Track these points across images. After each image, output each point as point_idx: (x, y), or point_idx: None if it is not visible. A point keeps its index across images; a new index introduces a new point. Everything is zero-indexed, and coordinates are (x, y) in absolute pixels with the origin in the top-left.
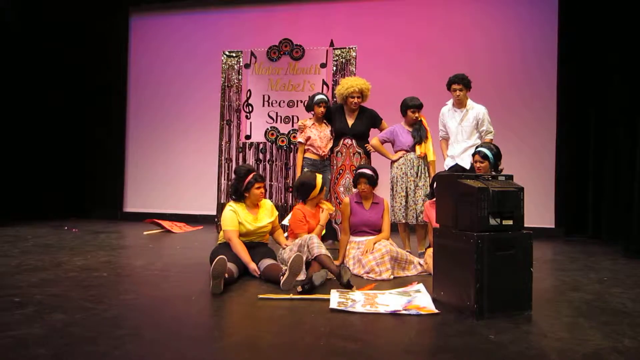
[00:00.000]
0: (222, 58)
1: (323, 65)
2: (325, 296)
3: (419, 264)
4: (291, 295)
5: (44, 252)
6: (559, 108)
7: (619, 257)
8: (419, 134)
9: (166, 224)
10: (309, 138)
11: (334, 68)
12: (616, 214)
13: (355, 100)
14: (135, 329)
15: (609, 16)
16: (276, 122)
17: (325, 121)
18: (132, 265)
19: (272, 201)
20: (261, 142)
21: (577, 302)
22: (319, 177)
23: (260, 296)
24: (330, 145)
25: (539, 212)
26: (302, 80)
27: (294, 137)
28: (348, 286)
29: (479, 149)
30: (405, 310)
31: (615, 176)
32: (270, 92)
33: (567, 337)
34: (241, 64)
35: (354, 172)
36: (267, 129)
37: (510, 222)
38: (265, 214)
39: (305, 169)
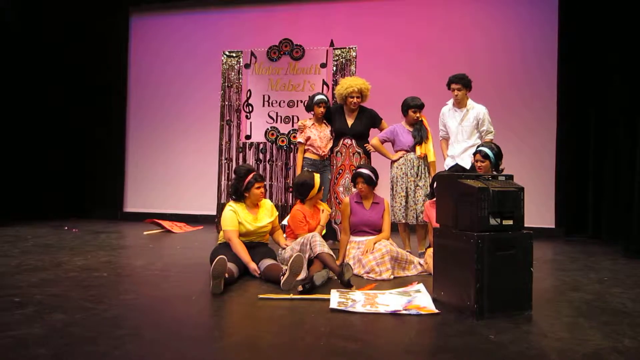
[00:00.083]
0: (222, 58)
1: (323, 65)
2: (325, 296)
3: (419, 264)
4: (291, 295)
5: (44, 252)
6: (559, 108)
7: (619, 257)
8: (420, 134)
9: (166, 224)
10: (308, 138)
11: (334, 68)
12: (616, 214)
13: (355, 100)
14: (135, 329)
15: (609, 16)
16: (276, 122)
17: (325, 121)
18: (132, 265)
19: (272, 201)
20: (261, 142)
21: (577, 302)
22: (317, 177)
23: (261, 296)
24: (330, 145)
25: (539, 212)
26: (302, 80)
27: (294, 137)
28: (348, 285)
29: (480, 148)
30: (405, 310)
31: (615, 176)
32: (271, 92)
33: (567, 337)
34: (241, 64)
35: (353, 171)
36: (267, 129)
37: (511, 222)
38: (265, 214)
39: (306, 169)
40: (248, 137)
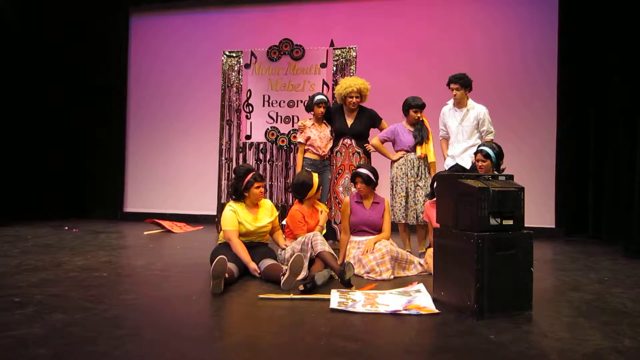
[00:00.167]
0: (222, 58)
1: (323, 65)
2: (325, 296)
3: (419, 264)
4: (291, 295)
5: (44, 252)
6: (559, 108)
7: (619, 257)
8: (421, 135)
9: (166, 224)
10: (308, 138)
11: (334, 68)
12: (616, 214)
13: (354, 100)
14: (135, 329)
15: (609, 16)
16: (276, 122)
17: (325, 121)
18: (132, 265)
19: (272, 201)
20: (261, 142)
21: (577, 302)
22: (316, 176)
23: (261, 296)
24: (330, 145)
25: (539, 212)
26: (302, 80)
27: (294, 137)
28: (348, 285)
29: (481, 147)
30: (405, 310)
31: (615, 176)
32: (271, 92)
33: (568, 337)
34: (241, 64)
35: (352, 171)
36: (268, 129)
37: (511, 222)
38: (265, 214)
39: (306, 169)
40: (248, 137)
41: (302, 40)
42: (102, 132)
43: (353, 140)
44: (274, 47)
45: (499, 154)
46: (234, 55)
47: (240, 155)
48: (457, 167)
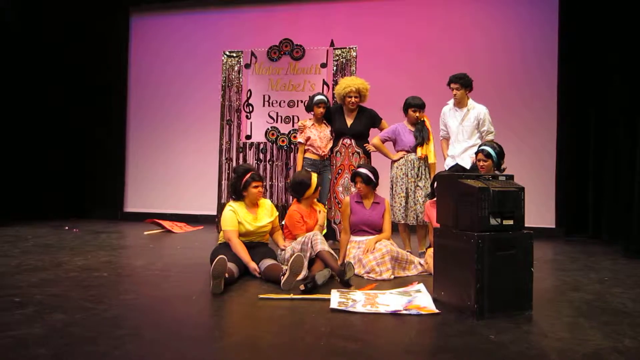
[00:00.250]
0: (223, 58)
1: (323, 65)
2: (325, 296)
3: (420, 264)
4: (291, 295)
5: (44, 252)
6: (559, 108)
7: (619, 257)
8: (422, 135)
9: (166, 224)
10: (308, 138)
11: (334, 68)
12: (616, 214)
13: (353, 100)
14: (135, 329)
15: (609, 16)
16: (276, 122)
17: (325, 121)
18: (132, 265)
19: (272, 201)
20: (261, 142)
21: (577, 302)
22: (314, 176)
23: (261, 296)
24: (330, 145)
25: (539, 212)
26: (302, 80)
27: (294, 137)
28: (347, 285)
29: (482, 147)
30: (405, 310)
31: (615, 176)
32: (271, 92)
33: (568, 337)
34: (241, 64)
35: (352, 171)
36: (268, 129)
37: (511, 222)
38: (265, 214)
39: (305, 169)
40: (248, 137)
41: (302, 40)
42: (102, 132)
43: (353, 140)
44: (274, 47)
45: (500, 154)
46: (234, 55)
47: (241, 155)
48: (457, 167)
